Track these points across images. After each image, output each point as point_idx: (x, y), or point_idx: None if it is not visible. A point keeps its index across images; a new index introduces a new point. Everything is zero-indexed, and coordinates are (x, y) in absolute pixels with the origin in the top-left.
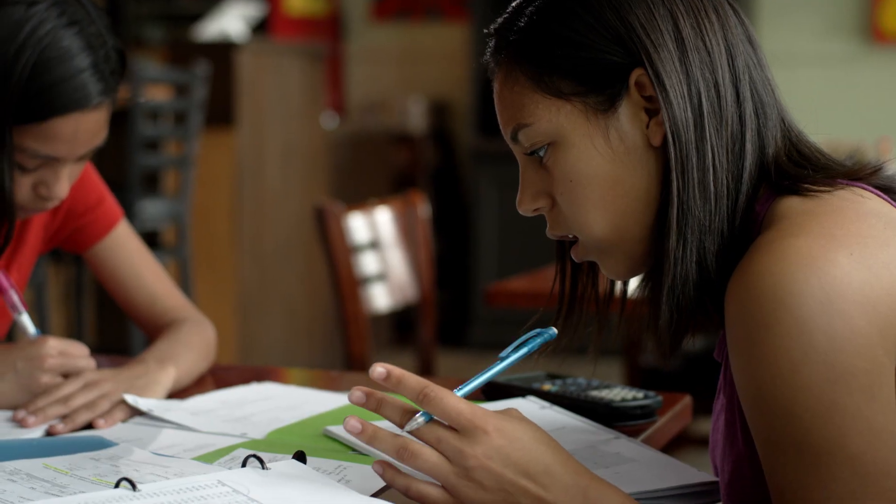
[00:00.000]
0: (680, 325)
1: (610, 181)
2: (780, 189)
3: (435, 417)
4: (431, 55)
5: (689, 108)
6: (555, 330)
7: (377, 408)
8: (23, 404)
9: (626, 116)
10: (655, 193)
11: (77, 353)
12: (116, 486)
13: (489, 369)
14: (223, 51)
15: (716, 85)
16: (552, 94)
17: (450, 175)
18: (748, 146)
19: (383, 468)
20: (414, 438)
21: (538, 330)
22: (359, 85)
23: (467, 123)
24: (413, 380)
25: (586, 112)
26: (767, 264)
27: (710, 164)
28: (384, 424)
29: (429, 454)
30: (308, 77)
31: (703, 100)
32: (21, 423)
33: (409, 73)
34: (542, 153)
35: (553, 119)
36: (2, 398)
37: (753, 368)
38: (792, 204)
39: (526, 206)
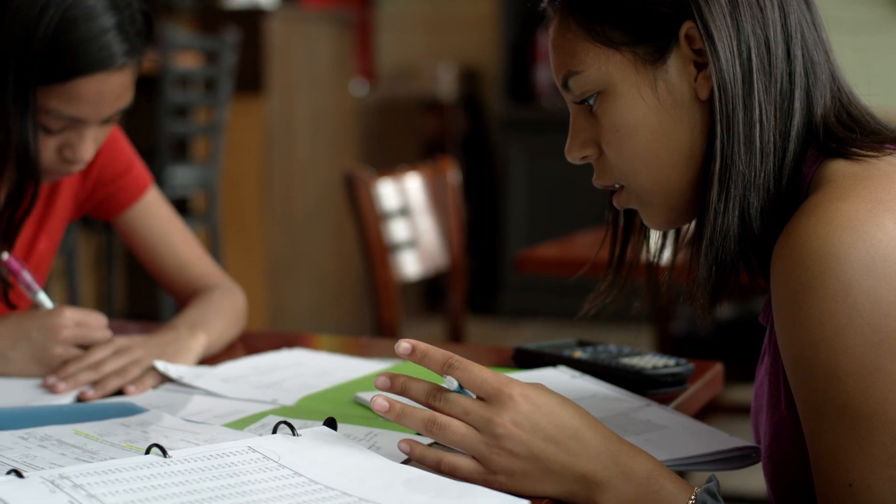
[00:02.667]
0: (719, 280)
1: (655, 132)
2: (828, 151)
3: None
4: (461, 22)
5: (737, 64)
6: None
7: (402, 391)
8: (35, 374)
9: (675, 69)
10: (700, 147)
11: (94, 323)
12: (147, 452)
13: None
14: (252, 18)
15: (766, 42)
16: (603, 43)
17: (479, 142)
18: (797, 105)
19: (411, 446)
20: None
21: None
22: (388, 52)
23: (497, 90)
24: (438, 352)
25: (635, 62)
26: (814, 227)
27: (757, 119)
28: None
29: (457, 426)
30: (337, 44)
31: (753, 56)
32: (52, 390)
33: (438, 39)
34: (591, 102)
35: (603, 68)
36: (14, 366)
37: (797, 331)
38: (839, 167)
39: (574, 154)
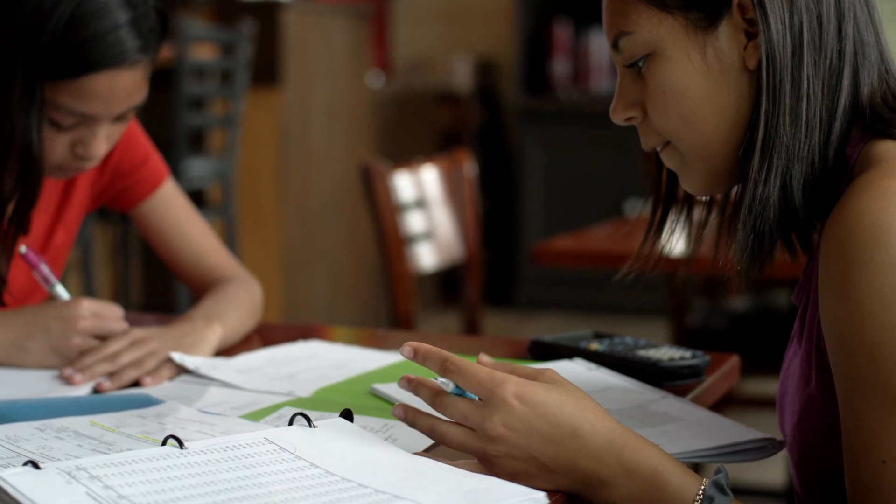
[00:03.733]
0: (756, 249)
1: (701, 97)
2: (874, 132)
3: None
4: (477, 13)
5: (788, 36)
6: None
7: (415, 391)
8: (53, 364)
9: (726, 36)
10: (745, 115)
11: (111, 314)
12: (163, 443)
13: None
14: (269, 9)
15: (819, 17)
16: (656, 6)
17: (495, 134)
18: (844, 83)
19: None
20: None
21: None
22: (404, 43)
23: (513, 82)
24: (435, 354)
25: (687, 27)
26: (866, 203)
27: (804, 93)
28: None
29: (455, 432)
30: (354, 36)
31: (805, 30)
32: (68, 381)
33: (454, 31)
34: (640, 64)
35: (654, 30)
36: (31, 357)
37: (843, 304)
38: (889, 147)
39: (619, 115)
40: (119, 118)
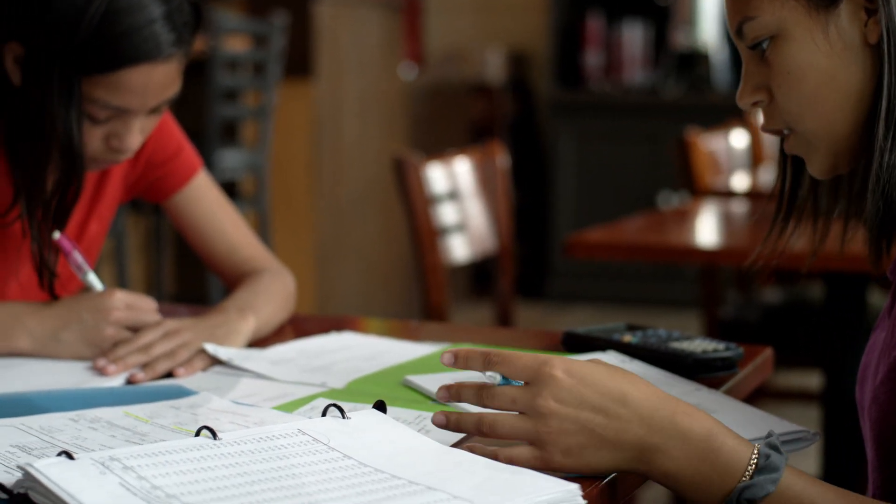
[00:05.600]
0: (888, 215)
1: (826, 76)
2: None
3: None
4: (510, 5)
5: None
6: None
7: (457, 397)
8: (86, 355)
9: (847, 14)
10: (868, 91)
11: (144, 306)
12: (197, 434)
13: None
14: (301, 1)
15: None
16: None
17: (528, 126)
18: None
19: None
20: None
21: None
22: (437, 35)
23: (546, 74)
24: (476, 353)
25: (808, 8)
26: None
27: None
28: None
29: (504, 418)
30: (386, 27)
31: None
32: (101, 372)
33: (487, 22)
34: (764, 46)
35: (777, 13)
36: (66, 348)
37: None
38: None
39: (745, 100)
40: (153, 110)
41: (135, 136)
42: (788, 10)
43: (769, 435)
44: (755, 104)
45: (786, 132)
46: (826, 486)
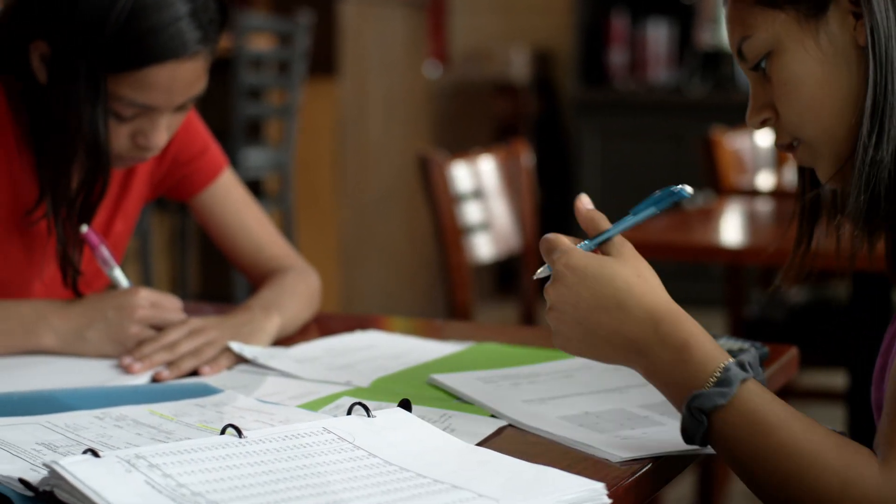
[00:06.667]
0: (871, 210)
1: (821, 82)
2: None
3: None
4: (534, 3)
5: (892, 11)
6: (689, 189)
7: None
8: (111, 353)
9: (835, 21)
10: (861, 91)
11: (169, 305)
12: (222, 432)
13: (620, 223)
14: (326, 0)
15: None
16: (768, 5)
17: (552, 125)
18: None
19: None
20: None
21: (671, 188)
22: (462, 34)
23: (570, 73)
24: (543, 238)
25: (798, 19)
26: None
27: None
28: None
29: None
30: (411, 26)
31: None
32: (127, 370)
33: (511, 21)
34: (763, 65)
35: (770, 28)
36: (90, 346)
37: None
38: None
39: (753, 119)
40: (179, 108)
41: (161, 134)
42: (780, 24)
43: (745, 351)
44: (763, 122)
45: (794, 144)
46: (787, 407)
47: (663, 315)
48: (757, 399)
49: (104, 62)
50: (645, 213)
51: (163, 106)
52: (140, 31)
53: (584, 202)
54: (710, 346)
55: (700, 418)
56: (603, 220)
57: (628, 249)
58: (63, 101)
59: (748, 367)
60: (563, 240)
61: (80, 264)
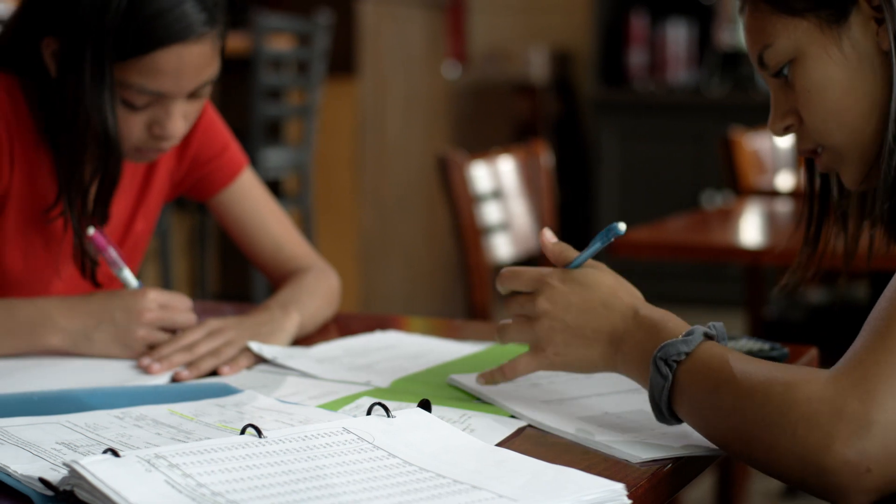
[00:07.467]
0: None
1: (845, 87)
2: None
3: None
4: (553, 3)
5: None
6: (622, 227)
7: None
8: (117, 355)
9: (858, 26)
10: (886, 96)
11: (178, 305)
12: (242, 432)
13: (586, 250)
14: (345, 0)
15: None
16: (788, 13)
17: (571, 125)
18: None
19: (484, 377)
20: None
21: (608, 227)
22: (481, 34)
23: (589, 73)
24: (503, 272)
25: (820, 26)
26: None
27: None
28: None
29: (512, 322)
30: (430, 26)
31: None
32: (146, 370)
33: (530, 21)
34: (785, 72)
35: (792, 36)
36: (97, 348)
37: None
38: None
39: (776, 126)
40: (193, 96)
41: (176, 122)
42: (802, 31)
43: (712, 326)
44: (786, 129)
45: (818, 150)
46: (750, 358)
47: (641, 305)
48: (718, 349)
49: (109, 49)
50: (595, 246)
51: (174, 92)
52: (144, 16)
53: (549, 236)
54: (682, 323)
55: (665, 371)
56: (570, 250)
57: (603, 265)
58: (71, 92)
59: (715, 336)
60: (532, 269)
61: (97, 256)
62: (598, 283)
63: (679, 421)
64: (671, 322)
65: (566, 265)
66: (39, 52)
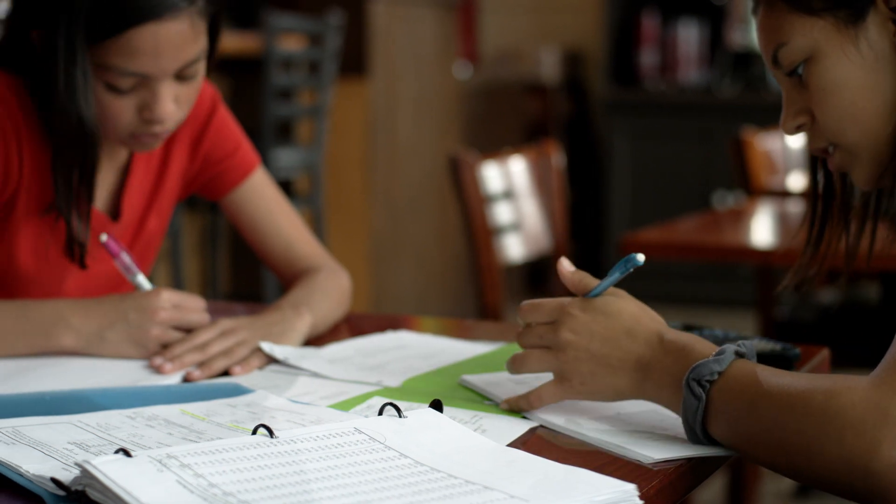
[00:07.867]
0: None
1: (861, 87)
2: None
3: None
4: (565, 4)
5: None
6: (641, 257)
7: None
8: (131, 355)
9: (875, 26)
10: None
11: (192, 305)
12: (254, 432)
13: (605, 279)
14: (357, 0)
15: None
16: (806, 12)
17: (583, 125)
18: None
19: (508, 402)
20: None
21: (626, 258)
22: (492, 34)
23: (601, 73)
24: (522, 305)
25: (837, 25)
26: None
27: None
28: None
29: (531, 352)
30: (441, 26)
31: None
32: (158, 370)
33: (542, 21)
34: (800, 71)
35: (808, 34)
36: (110, 347)
37: None
38: None
39: (789, 124)
40: (182, 78)
41: (165, 105)
42: (819, 31)
43: (741, 345)
44: (799, 128)
45: (830, 149)
46: (784, 371)
47: (666, 331)
48: (750, 366)
49: (83, 32)
50: (613, 276)
51: (155, 73)
52: None
53: (566, 265)
54: (709, 345)
55: (698, 392)
56: (589, 278)
57: (624, 293)
58: (51, 79)
59: (747, 353)
60: (552, 300)
61: (87, 240)
62: (620, 311)
63: (714, 442)
64: (698, 344)
65: (586, 294)
66: (34, 48)
